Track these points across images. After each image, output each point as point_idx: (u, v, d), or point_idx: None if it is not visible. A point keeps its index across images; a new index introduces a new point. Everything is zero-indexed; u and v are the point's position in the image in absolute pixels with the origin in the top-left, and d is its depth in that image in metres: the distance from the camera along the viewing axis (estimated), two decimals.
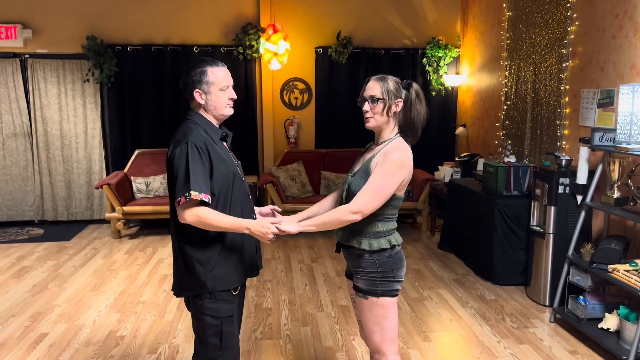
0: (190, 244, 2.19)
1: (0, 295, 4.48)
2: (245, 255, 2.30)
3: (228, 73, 2.26)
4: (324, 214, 2.22)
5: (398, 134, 2.29)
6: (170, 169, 2.15)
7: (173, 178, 2.12)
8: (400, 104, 2.25)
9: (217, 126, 2.28)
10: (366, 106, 2.25)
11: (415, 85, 2.28)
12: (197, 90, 2.20)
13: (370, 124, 2.27)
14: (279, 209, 2.55)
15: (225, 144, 2.31)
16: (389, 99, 2.22)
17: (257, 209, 2.47)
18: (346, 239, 2.31)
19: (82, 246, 5.94)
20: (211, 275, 2.19)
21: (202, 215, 2.09)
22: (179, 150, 2.11)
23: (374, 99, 2.23)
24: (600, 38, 4.19)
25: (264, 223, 2.13)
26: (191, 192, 2.05)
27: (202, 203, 2.10)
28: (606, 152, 3.69)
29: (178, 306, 4.21)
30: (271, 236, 2.13)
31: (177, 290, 2.32)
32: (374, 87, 2.24)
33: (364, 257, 2.26)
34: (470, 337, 3.70)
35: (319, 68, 6.98)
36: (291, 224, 2.19)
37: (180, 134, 2.18)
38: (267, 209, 2.49)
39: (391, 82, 2.25)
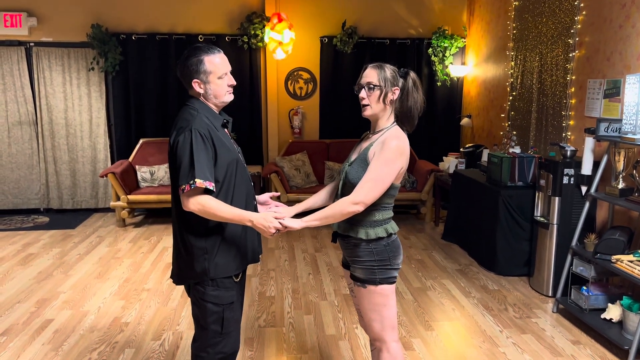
0: (193, 232, 2.19)
1: (6, 281, 4.53)
2: (247, 242, 2.30)
3: (225, 59, 2.23)
4: (326, 208, 2.21)
5: (394, 123, 2.28)
6: (173, 156, 2.13)
7: (176, 166, 2.11)
8: (397, 92, 2.24)
9: (218, 113, 2.27)
10: (362, 93, 2.23)
11: (412, 74, 2.27)
12: (195, 80, 2.18)
13: (367, 112, 2.26)
14: (277, 193, 2.55)
15: (226, 130, 2.30)
16: (385, 86, 2.21)
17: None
18: (343, 228, 2.31)
19: (87, 234, 5.97)
20: (214, 263, 2.19)
21: (207, 205, 2.08)
22: (183, 137, 2.09)
23: (370, 86, 2.22)
24: (607, 28, 4.15)
25: (267, 217, 2.13)
26: (196, 179, 2.04)
27: (207, 191, 2.10)
28: (611, 143, 3.67)
29: (182, 294, 4.24)
30: (273, 231, 2.12)
31: (178, 278, 2.32)
32: (370, 75, 2.23)
33: (361, 246, 2.26)
34: (472, 327, 3.71)
35: (323, 58, 6.96)
36: (294, 220, 2.18)
37: (182, 121, 2.16)
38: (264, 196, 2.49)
39: (388, 70, 2.24)
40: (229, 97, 2.26)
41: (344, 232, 2.30)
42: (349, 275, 2.46)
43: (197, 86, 2.20)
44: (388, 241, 2.28)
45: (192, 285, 2.27)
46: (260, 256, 2.44)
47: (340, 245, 2.40)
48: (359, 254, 2.28)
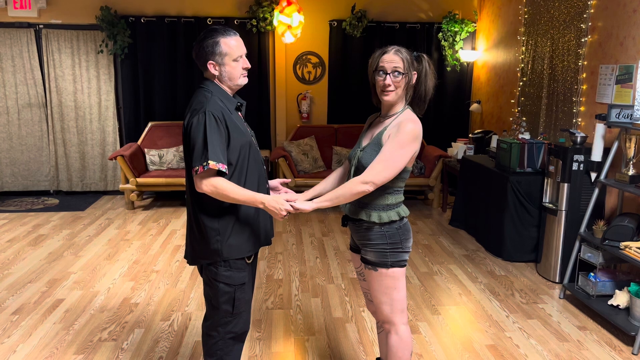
0: (206, 214, 2.21)
1: (17, 261, 4.58)
2: (259, 225, 2.32)
3: (241, 42, 2.23)
4: (337, 188, 2.21)
5: (407, 106, 2.28)
6: (188, 138, 2.15)
7: (190, 147, 2.13)
8: (415, 77, 2.24)
9: (232, 95, 2.28)
10: (388, 80, 2.18)
11: (425, 57, 2.26)
12: (210, 62, 2.19)
13: (391, 97, 2.21)
14: (288, 180, 2.56)
15: (239, 113, 2.31)
16: (409, 73, 2.20)
17: None
18: (354, 212, 2.31)
19: (96, 216, 6.02)
20: (227, 244, 2.22)
21: (219, 186, 2.10)
22: (197, 119, 2.10)
23: (399, 73, 2.18)
24: (620, 13, 4.10)
25: (279, 200, 2.14)
26: (209, 161, 2.06)
27: (220, 173, 2.11)
28: (622, 129, 3.65)
29: (190, 275, 4.28)
30: (284, 213, 2.13)
31: (191, 258, 2.34)
32: (396, 60, 2.17)
33: (374, 230, 2.27)
34: (479, 312, 3.73)
35: (332, 42, 6.91)
36: (306, 202, 2.19)
37: (196, 103, 2.17)
38: (275, 182, 2.50)
39: (408, 54, 2.22)
40: (244, 80, 2.27)
41: (355, 216, 2.30)
42: (357, 259, 2.47)
43: (212, 68, 2.20)
44: (400, 224, 2.29)
45: (205, 266, 2.29)
46: (272, 239, 2.46)
47: (351, 229, 2.40)
48: (371, 237, 2.28)
